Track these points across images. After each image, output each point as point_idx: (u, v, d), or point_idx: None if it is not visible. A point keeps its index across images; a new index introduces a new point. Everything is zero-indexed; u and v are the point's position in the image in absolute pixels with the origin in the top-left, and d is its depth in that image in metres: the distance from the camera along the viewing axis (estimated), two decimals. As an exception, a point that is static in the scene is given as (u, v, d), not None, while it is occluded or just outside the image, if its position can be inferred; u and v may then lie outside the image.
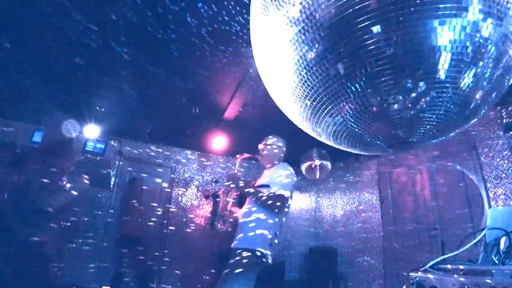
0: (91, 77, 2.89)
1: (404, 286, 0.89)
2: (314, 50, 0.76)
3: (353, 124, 0.88)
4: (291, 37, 0.78)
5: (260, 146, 2.25)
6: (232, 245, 1.92)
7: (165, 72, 2.80)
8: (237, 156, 2.27)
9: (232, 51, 2.44)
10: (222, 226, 1.99)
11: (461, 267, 0.89)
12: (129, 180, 4.33)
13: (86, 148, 4.28)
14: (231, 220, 2.18)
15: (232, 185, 2.01)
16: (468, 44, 0.68)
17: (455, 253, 1.00)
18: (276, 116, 1.84)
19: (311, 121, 0.97)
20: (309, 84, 0.83)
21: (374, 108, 0.80)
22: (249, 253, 1.77)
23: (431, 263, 0.94)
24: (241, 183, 2.02)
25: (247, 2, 1.89)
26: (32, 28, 2.23)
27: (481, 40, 0.68)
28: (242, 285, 1.72)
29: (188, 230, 4.72)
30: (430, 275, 0.84)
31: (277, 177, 1.99)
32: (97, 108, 3.57)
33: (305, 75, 0.82)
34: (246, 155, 2.23)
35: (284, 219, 1.99)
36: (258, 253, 1.78)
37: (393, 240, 3.96)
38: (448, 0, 0.63)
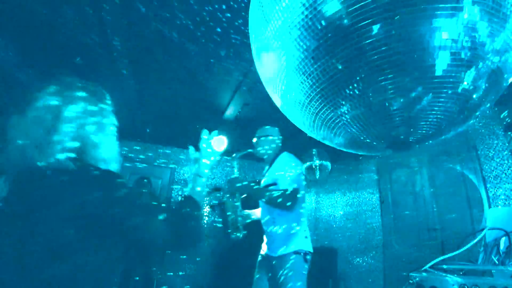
0: (91, 77, 2.89)
1: (404, 286, 0.89)
2: (313, 49, 0.76)
3: (352, 124, 0.88)
4: (291, 37, 0.78)
5: (254, 140, 2.15)
6: (266, 252, 1.90)
7: (165, 71, 2.80)
8: (234, 155, 2.11)
9: (232, 51, 2.44)
10: (237, 234, 1.90)
11: (461, 267, 0.89)
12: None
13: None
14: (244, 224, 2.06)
15: (238, 190, 1.89)
16: (467, 43, 0.67)
17: (455, 253, 1.00)
18: (276, 116, 1.84)
19: (311, 121, 0.97)
20: (309, 84, 0.83)
21: (374, 108, 0.80)
22: (295, 256, 1.74)
23: (431, 263, 0.94)
24: (246, 185, 1.90)
25: (246, 0, 1.89)
26: (32, 27, 2.23)
27: (480, 40, 0.68)
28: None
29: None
30: (430, 275, 0.84)
31: (282, 171, 1.90)
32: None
33: (304, 75, 0.82)
34: (242, 152, 2.10)
35: (303, 205, 1.93)
36: (302, 253, 1.76)
37: (393, 240, 3.96)
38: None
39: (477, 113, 0.87)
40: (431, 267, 0.92)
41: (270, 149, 2.09)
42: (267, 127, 2.17)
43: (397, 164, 4.18)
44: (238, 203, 1.94)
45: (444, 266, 0.93)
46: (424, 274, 0.87)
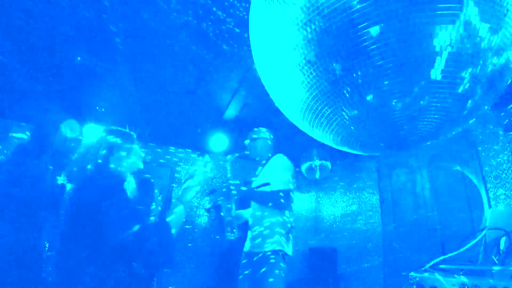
0: (91, 76, 2.89)
1: (404, 286, 0.89)
2: (314, 50, 0.76)
3: (352, 124, 0.88)
4: (291, 38, 0.78)
5: (247, 142, 2.16)
6: (248, 248, 1.92)
7: (165, 71, 2.80)
8: (228, 157, 2.15)
9: (232, 51, 2.44)
10: (232, 235, 1.96)
11: (461, 267, 0.89)
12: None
13: (86, 148, 4.26)
14: (237, 225, 2.11)
15: (233, 192, 1.92)
16: (466, 44, 0.68)
17: (455, 253, 1.00)
18: (276, 116, 1.83)
19: (311, 121, 0.97)
20: (309, 84, 0.83)
21: (374, 108, 0.80)
22: (275, 255, 1.77)
23: (431, 263, 0.94)
24: (239, 187, 1.93)
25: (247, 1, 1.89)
26: (31, 26, 2.23)
27: (480, 41, 0.68)
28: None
29: (188, 229, 4.72)
30: (430, 275, 0.84)
31: (275, 172, 1.93)
32: (97, 108, 3.57)
33: (304, 75, 0.82)
34: (236, 154, 2.13)
35: (292, 206, 1.97)
36: (281, 254, 1.79)
37: (393, 240, 3.96)
38: (447, 0, 0.63)
39: (477, 114, 0.88)
40: (431, 267, 0.92)
41: (262, 150, 2.11)
42: (259, 128, 2.19)
43: (397, 164, 4.18)
44: (232, 205, 2.00)
45: (444, 266, 0.93)
46: (424, 274, 0.87)
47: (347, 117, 0.87)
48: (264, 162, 2.11)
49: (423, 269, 0.92)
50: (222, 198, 1.99)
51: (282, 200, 1.81)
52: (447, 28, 0.65)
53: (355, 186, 4.89)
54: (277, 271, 1.72)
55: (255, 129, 2.19)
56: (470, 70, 0.71)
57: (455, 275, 0.81)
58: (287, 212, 1.90)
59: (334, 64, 0.75)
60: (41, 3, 1.98)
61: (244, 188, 1.91)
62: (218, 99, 3.35)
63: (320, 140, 1.11)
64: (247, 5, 1.52)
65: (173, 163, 4.98)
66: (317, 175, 4.27)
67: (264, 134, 2.14)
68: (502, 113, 2.93)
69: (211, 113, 3.65)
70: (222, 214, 1.97)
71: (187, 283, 4.42)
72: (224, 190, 1.94)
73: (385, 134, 0.89)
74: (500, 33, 0.68)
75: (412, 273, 0.89)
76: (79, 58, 2.58)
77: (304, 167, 4.34)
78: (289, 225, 1.91)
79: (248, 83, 2.89)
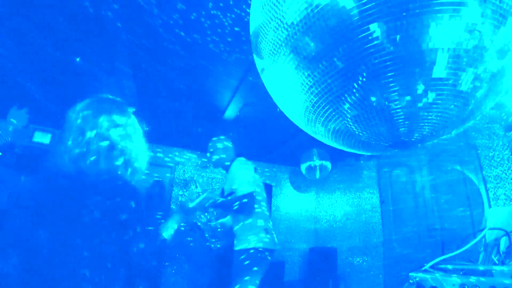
0: (91, 76, 2.89)
1: (404, 286, 0.89)
2: (315, 49, 0.76)
3: (353, 124, 0.88)
4: (291, 38, 0.78)
5: (208, 155, 2.27)
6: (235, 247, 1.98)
7: (165, 71, 2.80)
8: (194, 178, 2.31)
9: (232, 51, 2.44)
10: (216, 245, 2.06)
11: (461, 267, 0.89)
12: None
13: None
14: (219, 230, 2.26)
15: (207, 207, 1.97)
16: (467, 44, 0.67)
17: (455, 253, 1.00)
18: (276, 116, 1.84)
19: (311, 121, 0.97)
20: (309, 83, 0.83)
21: (374, 108, 0.80)
22: (246, 253, 1.84)
23: (431, 263, 0.94)
24: (212, 202, 1.93)
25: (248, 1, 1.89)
26: (31, 26, 2.23)
27: (480, 40, 0.68)
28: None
29: (188, 229, 4.72)
30: (430, 275, 0.84)
31: (234, 179, 2.01)
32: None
33: (305, 76, 0.82)
34: (203, 166, 2.28)
35: (262, 204, 2.04)
36: (254, 251, 1.85)
37: (393, 240, 3.96)
38: None
39: (479, 114, 0.87)
40: (431, 267, 0.92)
41: (220, 161, 2.20)
42: (214, 138, 2.27)
43: (397, 164, 4.18)
44: (210, 217, 2.08)
45: (444, 266, 0.93)
46: (424, 274, 0.87)
47: (347, 117, 0.87)
48: (225, 171, 2.22)
49: (423, 269, 0.92)
50: (198, 212, 2.06)
51: (246, 203, 1.88)
52: (449, 26, 0.65)
53: (355, 186, 4.89)
54: (249, 268, 1.80)
55: (210, 142, 2.27)
56: (472, 69, 0.71)
57: (455, 275, 0.81)
58: (254, 211, 1.97)
59: (336, 63, 0.75)
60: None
61: (216, 202, 1.95)
62: (218, 99, 3.35)
63: (320, 140, 1.11)
64: (248, 3, 1.53)
65: (173, 163, 4.98)
66: (317, 175, 4.27)
67: (218, 144, 2.23)
68: (503, 113, 2.93)
69: (211, 113, 3.65)
70: (202, 227, 2.07)
71: (187, 283, 4.42)
72: (199, 207, 2.00)
73: (385, 133, 0.89)
74: (503, 32, 0.68)
75: (412, 273, 0.89)
76: (78, 59, 2.58)
77: (304, 167, 4.34)
78: (259, 225, 1.95)
79: (248, 83, 2.89)
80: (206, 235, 2.05)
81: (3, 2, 1.98)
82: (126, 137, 0.89)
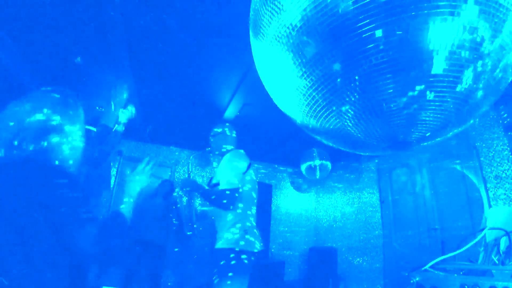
0: (91, 76, 2.89)
1: (404, 286, 0.89)
2: (314, 51, 0.76)
3: (352, 125, 0.88)
4: (292, 38, 0.78)
5: (210, 137, 2.13)
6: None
7: (165, 71, 2.80)
8: (191, 157, 2.13)
9: (232, 51, 2.44)
10: (190, 232, 1.87)
11: (461, 267, 0.89)
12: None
13: (86, 148, 4.26)
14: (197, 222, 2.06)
15: (187, 189, 1.88)
16: (466, 44, 0.67)
17: (455, 253, 1.00)
18: (276, 116, 1.83)
19: (311, 121, 0.97)
20: (308, 84, 0.83)
21: (374, 109, 0.80)
22: (227, 253, 1.68)
23: (431, 263, 0.94)
24: (194, 186, 1.86)
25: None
26: (30, 26, 2.23)
27: (479, 41, 0.68)
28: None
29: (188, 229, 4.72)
30: (430, 275, 0.84)
31: (223, 169, 1.87)
32: (97, 108, 3.57)
33: (304, 76, 0.82)
34: (198, 151, 2.10)
35: (249, 203, 1.88)
36: (236, 251, 1.69)
37: (393, 240, 3.96)
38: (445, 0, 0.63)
39: (477, 113, 0.87)
40: (431, 267, 0.92)
41: (220, 145, 2.06)
42: (219, 124, 2.13)
43: (397, 164, 4.18)
44: (195, 201, 1.95)
45: (444, 266, 0.93)
46: (424, 274, 0.87)
47: (347, 117, 0.87)
48: (220, 158, 2.05)
49: (423, 269, 0.92)
50: (178, 190, 1.90)
51: (227, 199, 1.72)
52: (448, 26, 0.65)
53: (355, 186, 4.89)
54: (230, 269, 1.64)
55: (218, 124, 2.13)
56: (471, 69, 0.71)
57: (455, 275, 0.81)
58: (236, 209, 1.80)
59: (335, 64, 0.75)
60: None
61: (198, 187, 1.85)
62: (218, 99, 3.35)
63: (320, 140, 1.11)
64: (247, 3, 1.52)
65: (173, 163, 4.99)
66: (317, 175, 4.27)
67: (224, 128, 2.09)
68: (503, 113, 2.93)
69: (211, 113, 3.64)
70: (179, 206, 1.91)
71: (187, 283, 4.42)
72: (181, 188, 1.88)
73: (385, 134, 0.89)
74: (502, 33, 0.68)
75: (412, 273, 0.89)
76: (78, 59, 2.58)
77: (304, 167, 4.34)
78: (238, 224, 1.79)
79: (248, 83, 2.89)
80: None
81: (3, 2, 1.98)
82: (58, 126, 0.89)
